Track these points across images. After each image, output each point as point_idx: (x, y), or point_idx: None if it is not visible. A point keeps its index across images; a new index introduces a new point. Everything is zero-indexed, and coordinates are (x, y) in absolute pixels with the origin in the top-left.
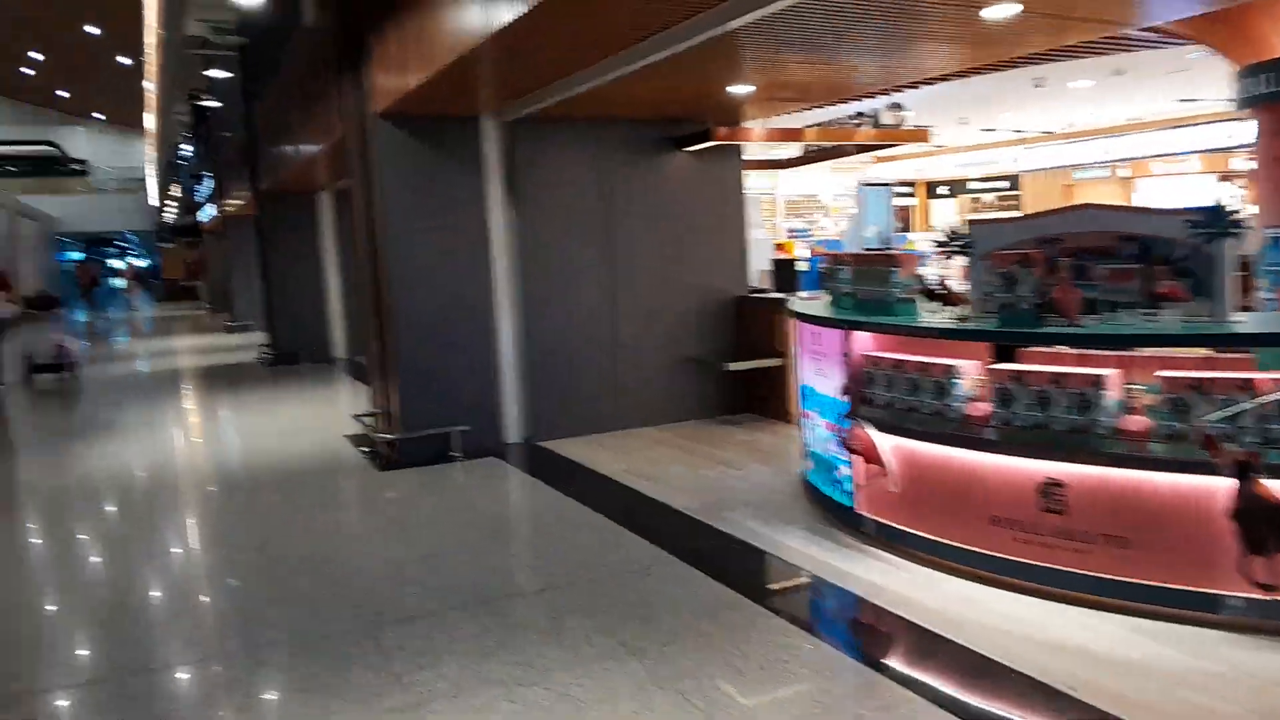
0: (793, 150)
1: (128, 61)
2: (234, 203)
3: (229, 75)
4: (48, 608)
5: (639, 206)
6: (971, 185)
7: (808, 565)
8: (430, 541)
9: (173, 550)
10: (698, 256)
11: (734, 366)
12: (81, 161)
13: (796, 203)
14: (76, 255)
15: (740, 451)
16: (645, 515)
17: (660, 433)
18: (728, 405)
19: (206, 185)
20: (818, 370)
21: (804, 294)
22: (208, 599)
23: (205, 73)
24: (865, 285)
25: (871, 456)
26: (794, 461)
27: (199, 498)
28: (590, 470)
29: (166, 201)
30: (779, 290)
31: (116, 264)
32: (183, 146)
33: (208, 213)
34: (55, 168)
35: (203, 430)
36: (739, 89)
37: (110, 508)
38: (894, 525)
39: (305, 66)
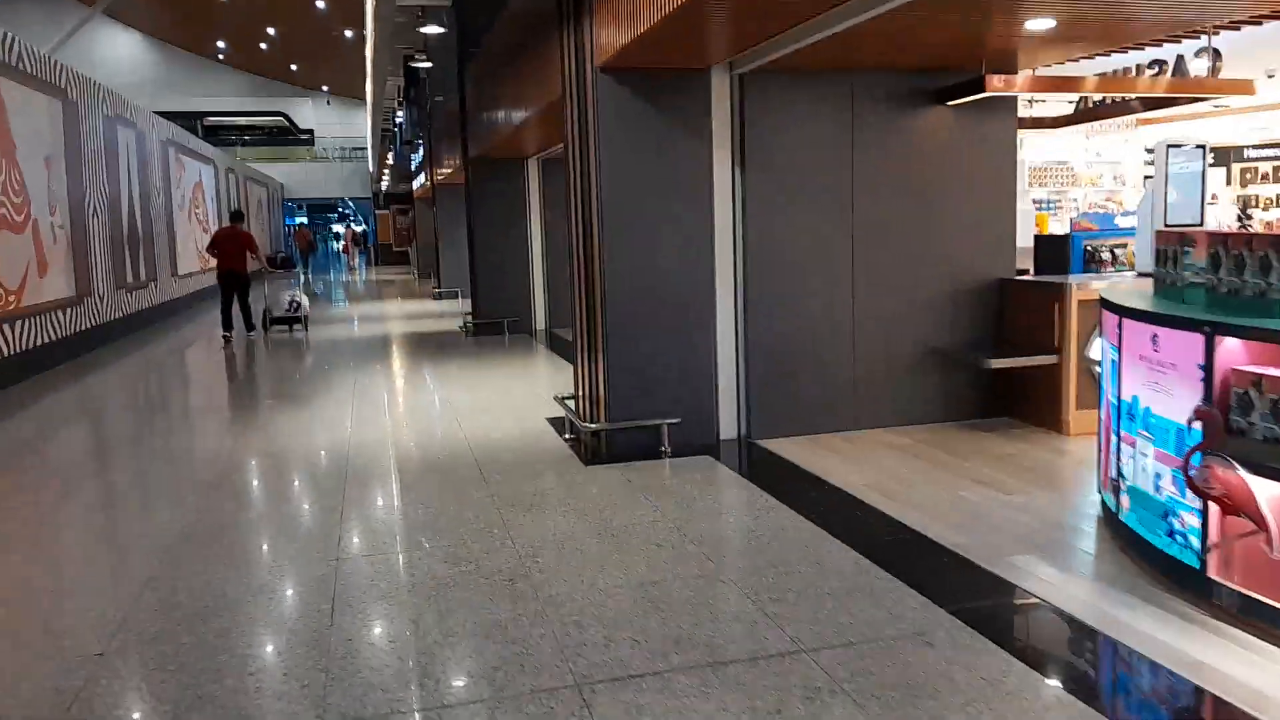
0: (1060, 108)
1: (350, 34)
2: (444, 170)
3: (443, 31)
4: (199, 603)
5: (886, 171)
6: (1249, 154)
7: (1144, 646)
8: (645, 566)
9: (353, 548)
10: (955, 231)
11: (998, 364)
12: (308, 131)
13: (1041, 170)
14: (302, 219)
15: (1007, 469)
16: (904, 553)
17: (898, 437)
18: (981, 408)
19: (420, 154)
20: (1152, 383)
21: (1076, 277)
22: (385, 624)
23: (421, 29)
24: (1235, 274)
25: (1241, 506)
26: (1082, 488)
27: (391, 480)
28: (821, 481)
29: (383, 169)
30: (1040, 271)
31: (337, 228)
32: (398, 114)
33: (420, 180)
34: (285, 137)
35: (402, 402)
36: (1036, 24)
37: (301, 483)
38: (1270, 602)
39: (519, 22)
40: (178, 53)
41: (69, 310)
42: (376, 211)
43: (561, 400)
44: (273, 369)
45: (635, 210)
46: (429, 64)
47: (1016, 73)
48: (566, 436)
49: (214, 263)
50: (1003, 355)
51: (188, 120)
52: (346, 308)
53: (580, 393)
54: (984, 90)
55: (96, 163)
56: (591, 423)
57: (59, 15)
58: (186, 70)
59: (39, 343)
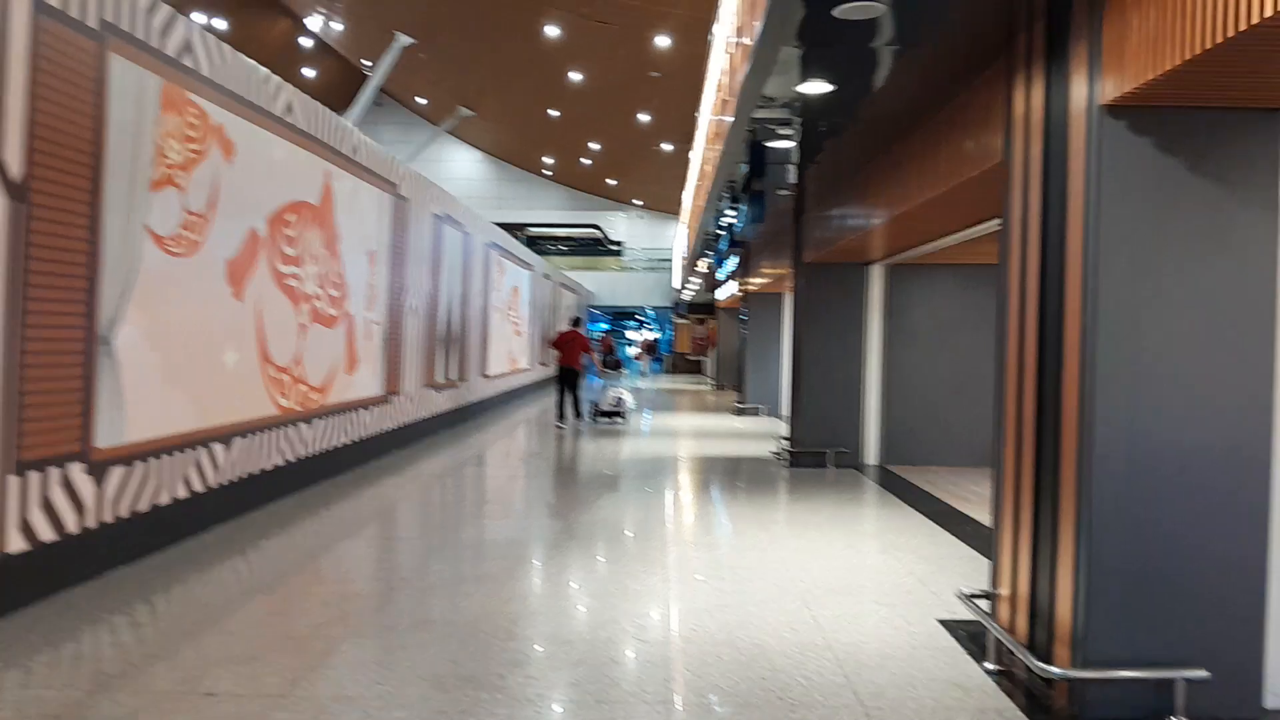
0: None
1: (669, 148)
2: (758, 280)
3: (830, 90)
4: None
5: None
6: None
7: None
8: None
9: None
10: None
11: None
12: (618, 243)
13: None
14: (603, 325)
15: None
16: None
17: None
18: None
19: (730, 263)
20: None
21: None
22: None
23: (798, 88)
24: None
25: None
26: None
27: None
28: None
29: (688, 279)
30: None
31: (633, 335)
32: (728, 213)
33: (727, 290)
34: (596, 247)
35: (726, 563)
36: None
37: (608, 716)
38: None
39: (902, 98)
40: (511, 169)
41: (374, 409)
42: (676, 320)
43: (971, 600)
44: (569, 493)
45: (1151, 319)
46: (789, 142)
47: None
48: (989, 666)
49: (521, 364)
50: None
51: (514, 231)
52: (644, 419)
53: (1009, 591)
54: None
55: (420, 260)
56: (1048, 661)
57: (412, 134)
58: (516, 185)
59: (339, 442)
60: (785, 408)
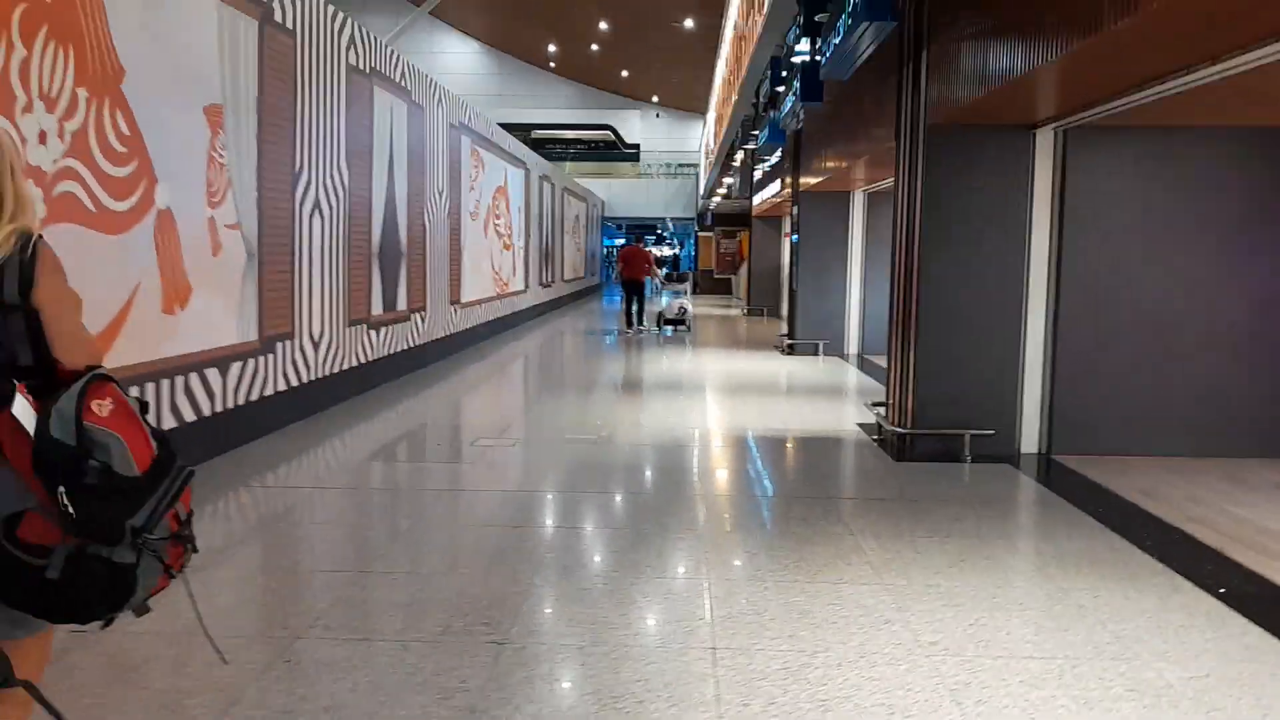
0: None
1: (691, 24)
2: (813, 177)
3: None
4: None
5: None
6: None
7: None
8: None
9: None
10: None
11: None
12: (634, 146)
13: None
14: (620, 240)
15: None
16: None
17: None
18: None
19: (771, 160)
20: None
21: None
22: None
23: None
24: None
25: None
26: None
27: None
28: None
29: (720, 183)
30: None
31: (652, 251)
32: (798, 47)
33: (768, 192)
34: (610, 151)
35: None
36: None
37: None
38: None
39: None
40: (512, 62)
41: (237, 365)
42: (699, 233)
43: None
44: (533, 537)
45: None
46: None
47: None
48: None
49: (514, 286)
50: None
51: (520, 132)
52: (660, 361)
53: None
54: None
55: (328, 134)
56: None
57: (400, 18)
58: (519, 80)
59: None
60: (855, 345)
